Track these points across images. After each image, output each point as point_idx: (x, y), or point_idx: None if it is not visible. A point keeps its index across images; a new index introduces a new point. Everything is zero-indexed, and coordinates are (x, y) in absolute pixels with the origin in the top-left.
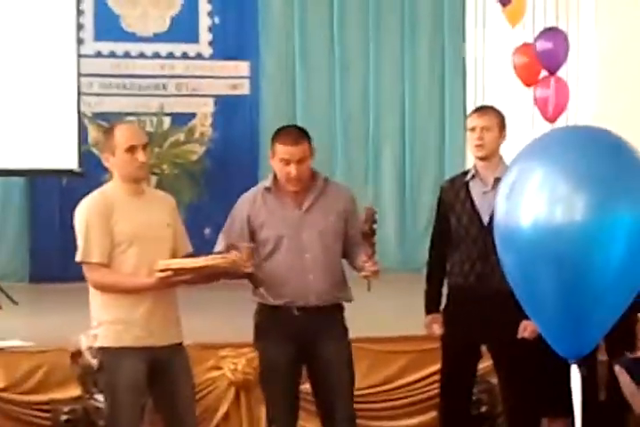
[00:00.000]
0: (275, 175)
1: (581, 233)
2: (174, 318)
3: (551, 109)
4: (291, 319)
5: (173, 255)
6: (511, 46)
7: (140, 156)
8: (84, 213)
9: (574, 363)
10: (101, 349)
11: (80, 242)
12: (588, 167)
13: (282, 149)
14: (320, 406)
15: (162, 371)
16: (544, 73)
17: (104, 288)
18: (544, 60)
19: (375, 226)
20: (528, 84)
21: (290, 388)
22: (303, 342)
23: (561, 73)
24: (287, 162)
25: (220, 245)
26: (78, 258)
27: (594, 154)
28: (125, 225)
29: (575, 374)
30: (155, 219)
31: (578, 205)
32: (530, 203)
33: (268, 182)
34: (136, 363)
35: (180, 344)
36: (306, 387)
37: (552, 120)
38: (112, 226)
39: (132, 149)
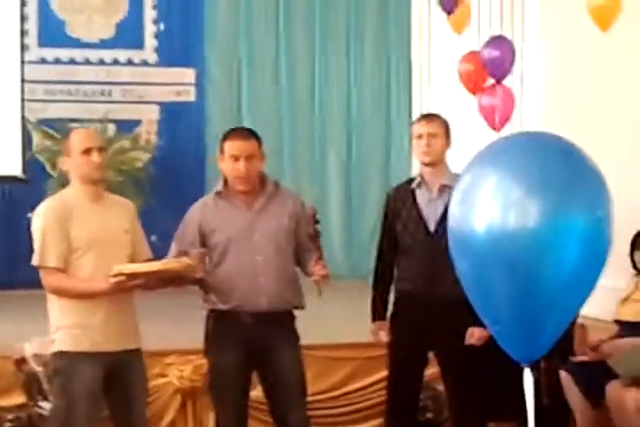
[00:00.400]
0: (225, 180)
1: (534, 238)
2: (132, 323)
3: (498, 118)
4: (241, 326)
5: (132, 261)
6: (457, 54)
7: (95, 157)
8: (41, 217)
9: (527, 367)
10: (59, 353)
11: (37, 246)
12: (541, 173)
13: (231, 145)
14: (274, 413)
15: (118, 376)
16: (490, 81)
17: (60, 293)
18: (491, 68)
19: (318, 226)
20: (473, 92)
21: (240, 395)
22: (254, 348)
23: (506, 82)
24: (236, 158)
25: (172, 252)
26: (35, 262)
27: (546, 160)
28: (83, 230)
29: (528, 379)
30: (112, 224)
31: (531, 211)
32: (483, 208)
33: (218, 187)
34: (93, 368)
35: (138, 350)
36: (256, 394)
37: (498, 129)
38: (69, 231)
39: (87, 151)
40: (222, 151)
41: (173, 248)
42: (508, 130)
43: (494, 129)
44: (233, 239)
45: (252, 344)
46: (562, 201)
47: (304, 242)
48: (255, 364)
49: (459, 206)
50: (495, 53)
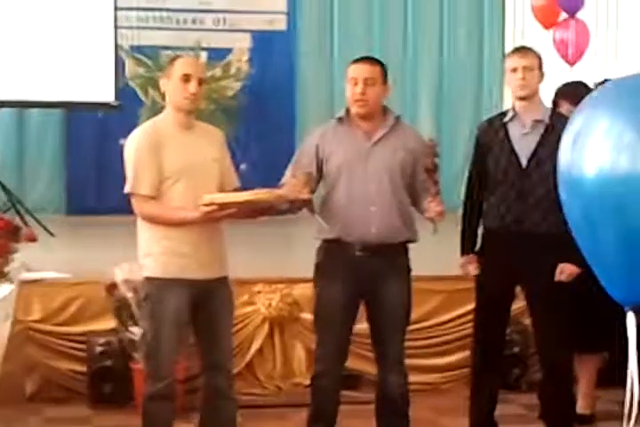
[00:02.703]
0: (347, 108)
1: None
2: (220, 251)
3: (571, 52)
4: (352, 259)
5: (220, 190)
6: None
7: (192, 86)
8: (134, 146)
9: (630, 310)
10: (148, 279)
11: (129, 174)
12: None
13: (353, 68)
14: (374, 343)
15: (205, 303)
16: (563, 16)
17: (151, 220)
18: (563, 1)
19: (437, 160)
20: (547, 27)
21: (343, 328)
22: (363, 280)
23: (580, 15)
24: (355, 81)
25: (286, 175)
26: (127, 189)
27: None
28: (174, 159)
29: (631, 321)
30: (202, 153)
31: None
32: (594, 151)
33: (340, 114)
34: (180, 294)
35: (225, 278)
36: (359, 327)
37: (572, 63)
38: (161, 159)
39: (186, 78)
40: (347, 75)
41: (288, 171)
42: (582, 64)
43: (568, 63)
44: (348, 166)
45: (362, 276)
46: None
47: (421, 180)
48: (363, 295)
49: (570, 149)
50: None
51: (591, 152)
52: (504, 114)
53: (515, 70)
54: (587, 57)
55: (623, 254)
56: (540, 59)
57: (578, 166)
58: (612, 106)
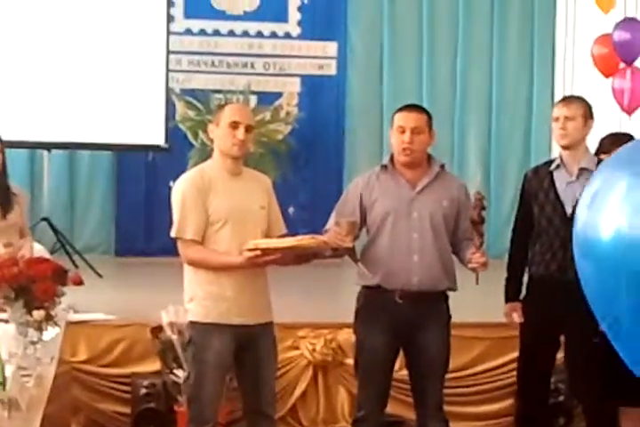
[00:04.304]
0: (391, 156)
1: None
2: (264, 297)
3: (627, 100)
4: (392, 306)
5: (267, 236)
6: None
7: (240, 133)
8: (181, 190)
9: None
10: (192, 323)
11: (176, 218)
12: None
13: (399, 116)
14: (413, 390)
15: (249, 349)
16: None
17: (195, 264)
18: (621, 50)
19: (484, 213)
20: (607, 75)
21: (384, 375)
22: (403, 328)
23: (638, 63)
24: (402, 130)
25: (330, 222)
26: (173, 234)
27: None
28: (221, 204)
29: None
30: (249, 200)
31: None
32: (612, 213)
33: (384, 161)
34: (223, 339)
35: (270, 323)
36: (401, 374)
37: (629, 112)
38: (208, 204)
39: (234, 125)
40: (392, 124)
41: (332, 218)
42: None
43: (626, 112)
44: (392, 214)
45: (402, 323)
46: None
47: (463, 229)
48: (402, 342)
49: (586, 209)
50: (626, 36)
51: (608, 214)
52: (551, 162)
53: (557, 119)
54: None
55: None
56: (585, 108)
57: (594, 227)
58: (631, 167)
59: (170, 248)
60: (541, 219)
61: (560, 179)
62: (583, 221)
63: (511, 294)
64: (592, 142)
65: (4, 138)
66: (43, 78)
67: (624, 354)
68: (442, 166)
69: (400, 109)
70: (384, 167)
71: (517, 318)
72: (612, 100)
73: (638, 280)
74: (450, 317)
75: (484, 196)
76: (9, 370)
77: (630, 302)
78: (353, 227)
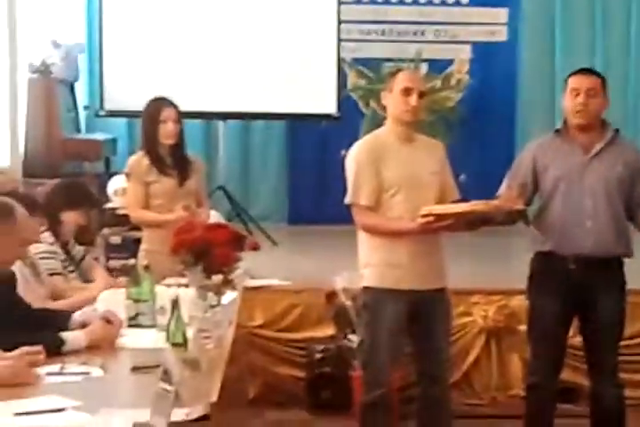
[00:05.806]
0: (565, 120)
1: None
2: (437, 263)
3: None
4: (566, 272)
5: (439, 202)
6: None
7: (413, 99)
8: (355, 157)
9: None
10: (366, 288)
11: (350, 185)
12: None
13: (573, 79)
14: (587, 356)
15: (423, 313)
16: None
17: (370, 230)
18: None
19: None
20: None
21: (556, 341)
22: (576, 294)
23: None
24: (577, 92)
25: (503, 187)
26: (347, 200)
27: None
28: (394, 171)
29: None
30: (422, 166)
31: None
32: None
33: (558, 126)
34: (397, 304)
35: (443, 289)
36: (575, 341)
37: None
38: (381, 171)
39: (406, 91)
40: (565, 89)
41: (505, 183)
42: None
43: None
44: (564, 179)
45: (575, 289)
46: None
47: (637, 194)
48: (576, 308)
49: None
50: None
51: None
52: None
53: None
54: None
55: None
56: None
57: None
58: None
59: (342, 216)
60: None
61: None
62: None
63: None
64: None
65: (182, 109)
66: (218, 51)
67: None
68: (616, 131)
69: (574, 73)
70: (557, 132)
71: None
72: None
73: None
74: (625, 283)
75: None
76: (190, 332)
77: None
78: (525, 190)
